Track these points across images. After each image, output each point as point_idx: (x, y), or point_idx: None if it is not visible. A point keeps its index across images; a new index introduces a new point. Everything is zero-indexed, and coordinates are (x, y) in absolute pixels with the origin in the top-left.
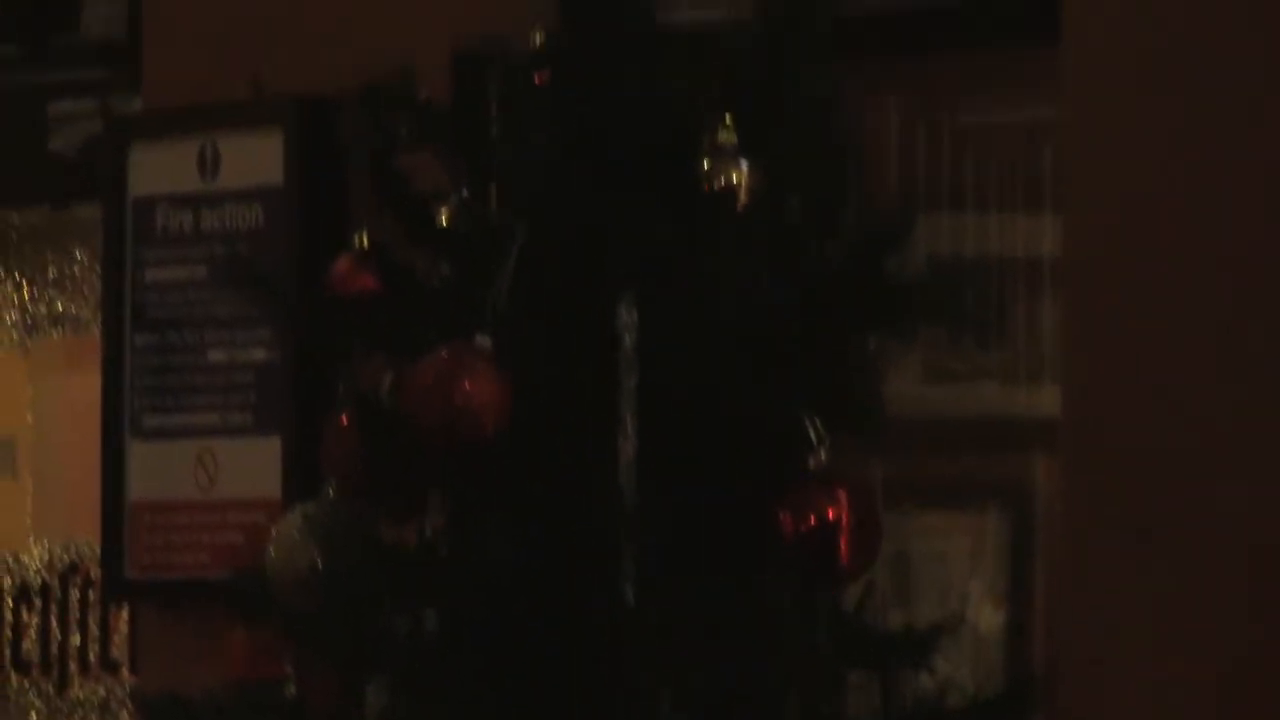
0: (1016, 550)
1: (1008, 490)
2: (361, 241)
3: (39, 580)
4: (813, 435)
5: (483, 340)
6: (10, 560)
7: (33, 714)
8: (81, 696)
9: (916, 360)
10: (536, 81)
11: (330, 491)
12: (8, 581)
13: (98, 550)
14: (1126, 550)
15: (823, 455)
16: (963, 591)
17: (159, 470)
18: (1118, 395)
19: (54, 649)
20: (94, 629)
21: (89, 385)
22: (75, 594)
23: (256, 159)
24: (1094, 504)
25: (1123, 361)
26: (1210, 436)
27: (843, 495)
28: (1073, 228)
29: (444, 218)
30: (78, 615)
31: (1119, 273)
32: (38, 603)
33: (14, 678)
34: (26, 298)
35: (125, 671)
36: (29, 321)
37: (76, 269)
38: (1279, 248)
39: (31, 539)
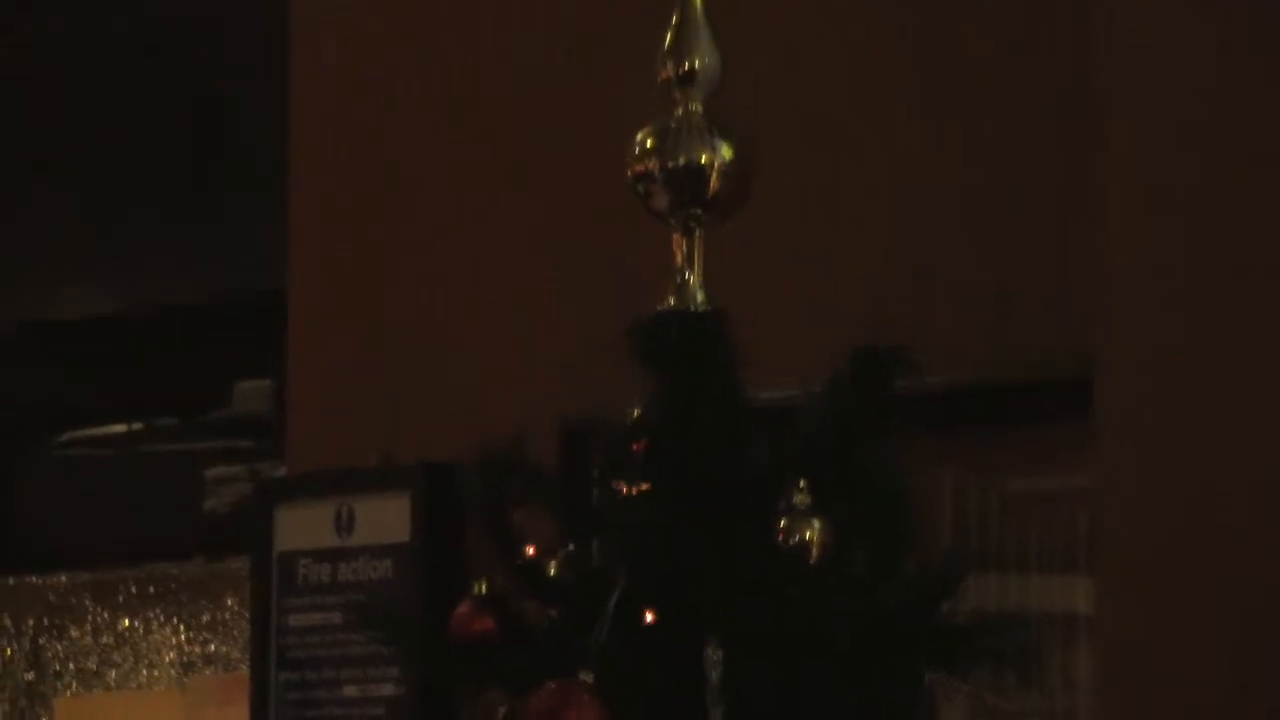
0: None
1: None
2: (480, 589)
3: None
4: None
5: (586, 676)
6: None
7: None
8: None
9: (965, 697)
10: (634, 449)
11: None
12: None
13: None
14: None
15: None
16: None
17: None
18: None
19: None
20: None
21: (238, 718)
22: None
23: (387, 518)
24: None
25: (1151, 711)
26: None
27: None
28: (1104, 587)
29: (552, 569)
30: None
31: (1146, 628)
32: None
33: None
34: (183, 640)
35: None
36: (185, 660)
37: (227, 615)
38: None
39: None
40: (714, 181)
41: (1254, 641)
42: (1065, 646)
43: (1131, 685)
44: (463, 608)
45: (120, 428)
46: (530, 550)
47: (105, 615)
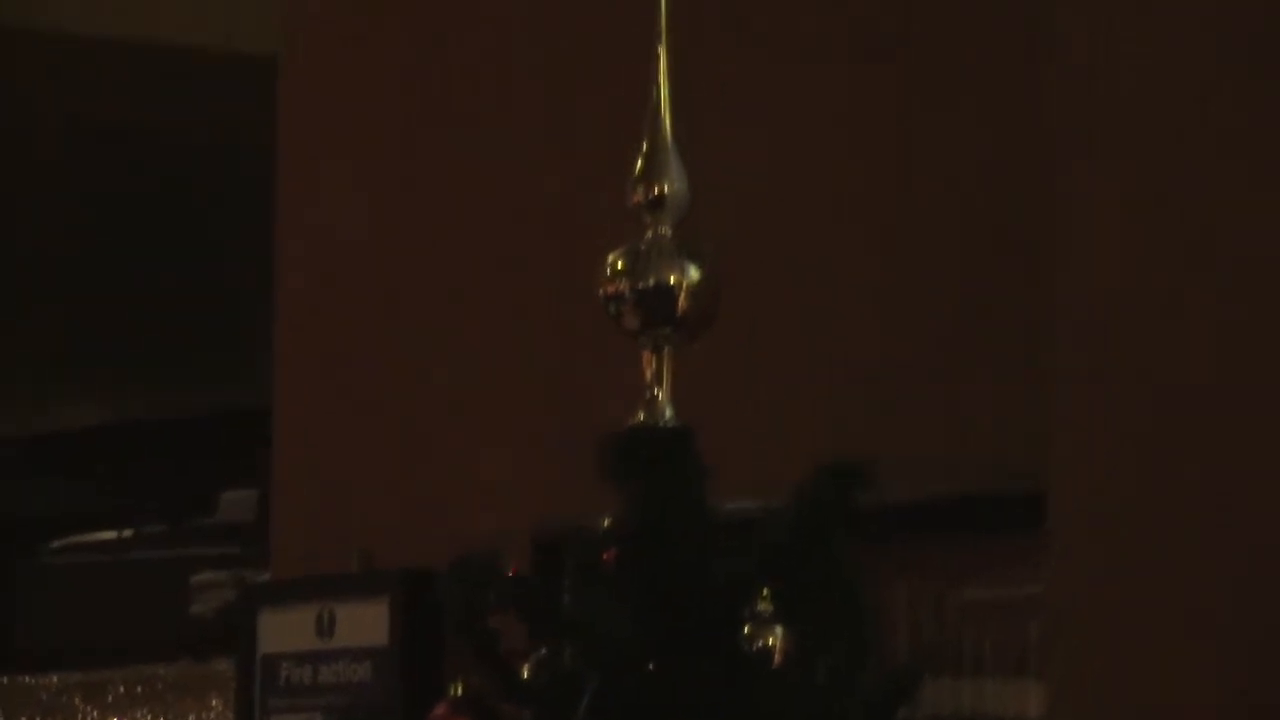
0: None
1: None
2: (456, 691)
3: None
4: None
5: None
6: None
7: None
8: None
9: None
10: (604, 558)
11: None
12: None
13: None
14: None
15: None
16: None
17: None
18: None
19: None
20: None
21: None
22: None
23: (366, 622)
24: None
25: None
26: None
27: None
28: (1055, 693)
29: (526, 671)
30: None
31: None
32: None
33: None
34: None
35: None
36: None
37: (212, 715)
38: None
39: None
40: (683, 302)
41: None
42: None
43: None
44: (439, 709)
45: (111, 534)
46: (505, 653)
47: (95, 714)
